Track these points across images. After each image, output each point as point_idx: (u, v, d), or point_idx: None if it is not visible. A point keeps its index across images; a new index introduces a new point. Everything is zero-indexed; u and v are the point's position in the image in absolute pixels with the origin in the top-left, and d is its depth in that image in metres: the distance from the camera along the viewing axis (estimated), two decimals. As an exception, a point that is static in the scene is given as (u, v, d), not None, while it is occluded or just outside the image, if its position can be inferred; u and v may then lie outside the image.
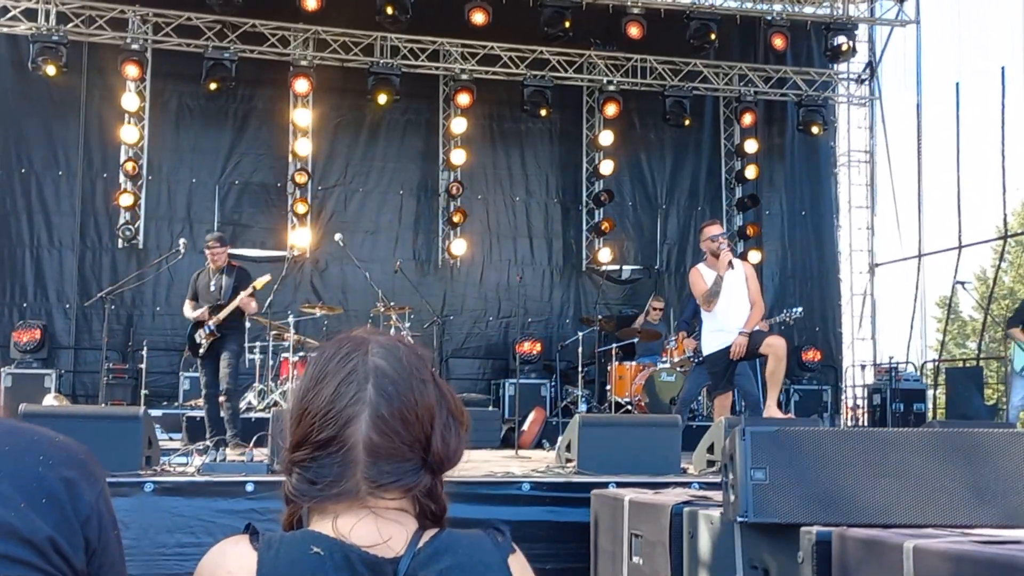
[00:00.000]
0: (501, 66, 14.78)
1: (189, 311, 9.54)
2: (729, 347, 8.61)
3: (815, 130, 15.54)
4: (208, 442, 7.73)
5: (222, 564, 1.47)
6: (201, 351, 9.28)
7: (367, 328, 1.61)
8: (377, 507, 1.49)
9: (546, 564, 6.51)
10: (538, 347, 14.21)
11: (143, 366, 12.09)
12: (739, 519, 4.12)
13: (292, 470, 1.51)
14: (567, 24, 14.07)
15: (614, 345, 12.95)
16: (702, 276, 8.78)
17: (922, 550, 3.28)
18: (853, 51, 15.53)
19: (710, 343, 8.87)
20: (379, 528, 1.47)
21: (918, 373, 14.90)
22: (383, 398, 1.49)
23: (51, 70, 13.06)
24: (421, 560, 1.47)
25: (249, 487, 6.22)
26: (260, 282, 9.73)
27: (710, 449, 7.57)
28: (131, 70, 13.51)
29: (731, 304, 8.66)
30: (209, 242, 9.60)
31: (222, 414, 9.24)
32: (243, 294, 9.30)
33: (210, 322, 9.16)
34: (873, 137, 16.82)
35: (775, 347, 8.57)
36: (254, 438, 7.34)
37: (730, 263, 8.67)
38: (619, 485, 6.46)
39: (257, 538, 1.47)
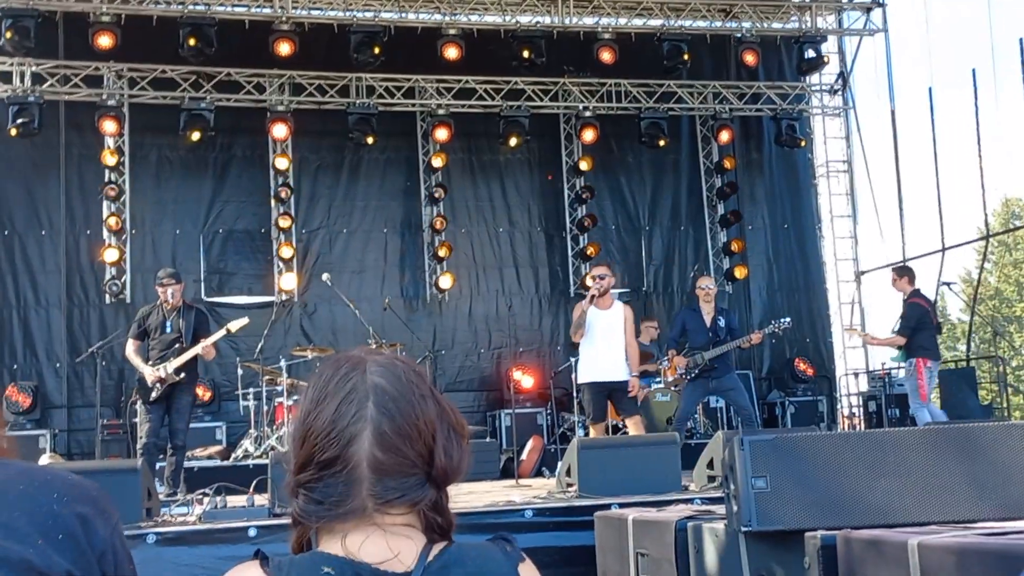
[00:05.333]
0: (477, 99, 14.86)
1: (134, 356, 8.89)
2: (602, 382, 9.25)
3: (794, 143, 15.65)
4: (208, 490, 7.66)
5: None
6: (154, 395, 8.71)
7: (362, 348, 1.63)
8: (384, 523, 1.50)
9: (554, 590, 6.50)
10: (532, 376, 14.21)
11: (137, 420, 12.02)
12: (743, 529, 4.13)
13: (298, 492, 1.52)
14: (526, 54, 14.18)
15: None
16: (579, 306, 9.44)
17: (926, 546, 3.30)
18: (824, 62, 15.66)
19: (583, 374, 9.46)
20: (388, 544, 1.48)
21: (911, 377, 14.90)
22: (384, 415, 1.50)
23: (28, 131, 13.07)
24: (432, 573, 1.49)
25: (252, 532, 6.20)
26: (236, 325, 9.38)
27: (710, 465, 7.58)
28: (109, 125, 13.53)
29: (609, 343, 9.23)
30: (164, 279, 8.91)
31: (166, 468, 8.73)
32: (208, 340, 8.82)
33: (169, 367, 8.66)
34: (850, 146, 16.94)
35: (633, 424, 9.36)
36: (254, 483, 7.32)
37: (591, 298, 9.25)
38: (621, 506, 6.45)
39: (268, 562, 1.49)
